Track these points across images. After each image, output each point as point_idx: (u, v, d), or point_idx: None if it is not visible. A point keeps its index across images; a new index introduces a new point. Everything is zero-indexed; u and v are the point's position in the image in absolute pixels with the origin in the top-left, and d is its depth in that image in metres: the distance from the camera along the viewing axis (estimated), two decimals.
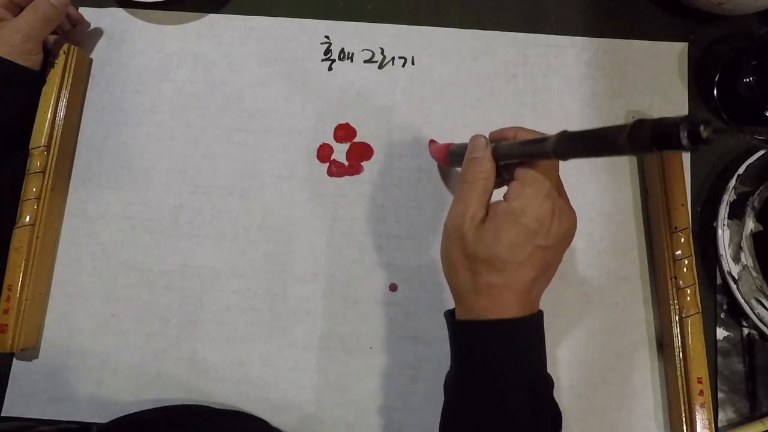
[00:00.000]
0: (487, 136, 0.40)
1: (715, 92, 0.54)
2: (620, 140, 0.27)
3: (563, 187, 0.39)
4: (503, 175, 0.39)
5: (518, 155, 0.36)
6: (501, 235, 0.35)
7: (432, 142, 0.52)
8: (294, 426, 0.49)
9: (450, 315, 0.40)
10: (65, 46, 0.52)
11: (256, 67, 0.55)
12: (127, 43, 0.56)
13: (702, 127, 0.23)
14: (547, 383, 0.38)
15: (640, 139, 0.26)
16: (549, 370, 0.46)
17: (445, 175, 0.53)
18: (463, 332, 0.38)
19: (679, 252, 0.48)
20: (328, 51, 0.56)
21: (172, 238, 0.52)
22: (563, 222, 0.36)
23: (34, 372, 0.50)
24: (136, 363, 0.50)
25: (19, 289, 0.48)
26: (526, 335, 0.37)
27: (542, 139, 0.34)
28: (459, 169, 0.41)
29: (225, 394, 0.49)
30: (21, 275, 0.48)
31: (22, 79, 0.50)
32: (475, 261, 0.36)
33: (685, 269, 0.48)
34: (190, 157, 0.54)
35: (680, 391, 0.46)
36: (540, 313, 0.38)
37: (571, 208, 0.38)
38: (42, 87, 0.51)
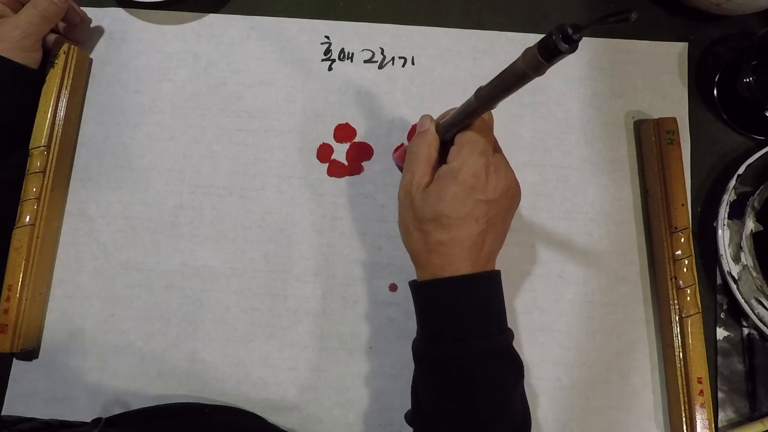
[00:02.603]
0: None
1: (715, 92, 0.55)
2: (517, 65, 0.31)
3: (500, 147, 0.42)
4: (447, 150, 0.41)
5: (455, 122, 0.39)
6: (443, 193, 0.38)
7: (396, 150, 0.53)
8: (294, 426, 0.49)
9: (413, 282, 0.41)
10: (65, 46, 0.52)
11: (256, 67, 0.55)
12: (127, 43, 0.56)
13: (570, 30, 0.27)
14: (505, 334, 0.39)
15: (530, 58, 0.30)
16: (549, 370, 0.46)
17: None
18: (422, 291, 0.40)
19: (679, 252, 0.48)
20: (328, 51, 0.56)
21: (172, 238, 0.52)
22: (500, 177, 0.39)
23: (34, 372, 0.50)
24: (136, 363, 0.50)
25: (19, 289, 0.48)
26: (480, 290, 0.38)
27: (468, 100, 0.37)
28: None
29: (225, 393, 0.49)
30: (21, 275, 0.48)
31: (20, 78, 0.50)
32: (423, 221, 0.38)
33: (685, 269, 0.48)
34: (190, 157, 0.54)
35: (680, 391, 0.47)
36: (496, 272, 0.40)
37: (509, 166, 0.40)
38: (41, 86, 0.51)
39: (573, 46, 0.28)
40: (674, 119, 0.51)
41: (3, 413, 0.49)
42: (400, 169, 0.53)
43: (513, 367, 0.39)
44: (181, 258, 0.52)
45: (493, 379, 0.37)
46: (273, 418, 0.49)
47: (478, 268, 0.38)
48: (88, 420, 0.44)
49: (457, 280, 0.38)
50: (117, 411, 0.49)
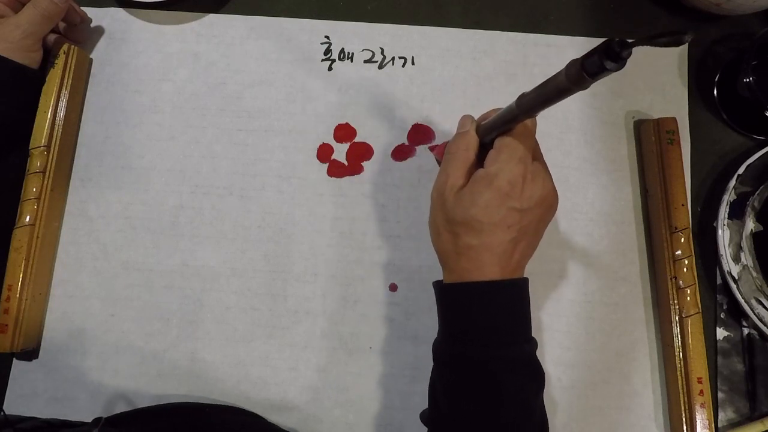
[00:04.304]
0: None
1: (715, 92, 0.55)
2: (560, 78, 0.30)
3: (541, 154, 0.41)
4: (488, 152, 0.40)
5: (495, 126, 0.39)
6: (476, 198, 0.37)
7: (432, 148, 0.53)
8: (294, 426, 0.49)
9: (438, 283, 0.41)
10: (65, 46, 0.52)
11: (256, 67, 0.55)
12: (127, 43, 0.56)
13: (617, 47, 0.27)
14: (530, 343, 0.39)
15: (574, 72, 0.29)
16: (549, 370, 0.46)
17: None
18: (448, 294, 0.40)
19: (679, 252, 0.48)
20: (328, 51, 0.56)
21: (172, 238, 0.52)
22: (536, 186, 0.38)
23: (34, 372, 0.50)
24: (136, 363, 0.50)
25: (19, 289, 0.48)
26: (507, 297, 0.38)
27: (509, 105, 0.37)
28: None
29: (225, 393, 0.49)
30: (21, 275, 0.48)
31: (20, 78, 0.50)
32: (454, 224, 0.38)
33: (685, 269, 0.48)
34: (190, 157, 0.54)
35: (680, 391, 0.47)
36: (524, 279, 0.39)
37: (548, 175, 0.39)
38: (41, 86, 0.51)
39: (620, 64, 0.27)
40: (674, 119, 0.51)
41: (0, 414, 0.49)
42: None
43: (536, 376, 0.38)
44: (181, 258, 0.52)
45: (516, 387, 0.37)
46: (273, 418, 0.49)
47: (507, 274, 0.37)
48: (89, 420, 0.44)
49: (485, 286, 0.37)
50: (117, 411, 0.49)
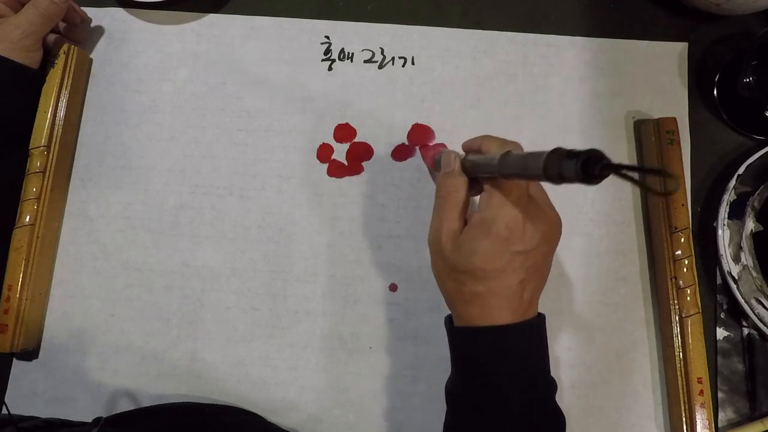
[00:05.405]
0: (462, 147, 0.41)
1: (715, 92, 0.54)
2: (537, 170, 0.29)
3: (539, 188, 0.39)
4: (479, 184, 0.39)
5: (480, 169, 0.37)
6: (476, 246, 0.35)
7: (422, 147, 0.53)
8: (294, 426, 0.49)
9: (449, 321, 0.40)
10: (65, 46, 0.52)
11: (256, 67, 0.55)
12: (127, 43, 0.56)
13: (596, 170, 0.26)
14: (549, 387, 0.38)
15: (551, 170, 0.28)
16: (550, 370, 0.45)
17: (435, 178, 0.53)
18: (460, 338, 0.38)
19: (679, 252, 0.48)
20: (328, 51, 0.56)
21: (172, 238, 0.52)
22: (537, 224, 0.36)
23: (34, 372, 0.50)
24: (136, 363, 0.50)
25: (19, 289, 0.48)
26: (520, 341, 0.36)
27: (492, 158, 0.35)
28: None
29: (225, 393, 0.49)
30: (21, 275, 0.48)
31: (20, 78, 0.50)
32: (456, 272, 0.36)
33: (685, 269, 0.48)
34: (190, 157, 0.54)
35: (680, 391, 0.47)
36: (539, 317, 0.38)
37: (548, 208, 0.38)
38: (41, 86, 0.51)
39: (594, 183, 0.27)
40: (674, 119, 0.51)
41: (3, 413, 0.49)
42: (430, 171, 0.53)
43: (553, 423, 0.37)
44: (181, 258, 0.52)
45: (527, 425, 0.36)
46: (273, 418, 0.49)
47: (519, 315, 0.36)
48: (89, 420, 0.44)
49: (497, 330, 0.36)
50: (117, 411, 0.49)
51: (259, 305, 0.51)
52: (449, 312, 0.40)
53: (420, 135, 0.54)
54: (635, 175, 0.27)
